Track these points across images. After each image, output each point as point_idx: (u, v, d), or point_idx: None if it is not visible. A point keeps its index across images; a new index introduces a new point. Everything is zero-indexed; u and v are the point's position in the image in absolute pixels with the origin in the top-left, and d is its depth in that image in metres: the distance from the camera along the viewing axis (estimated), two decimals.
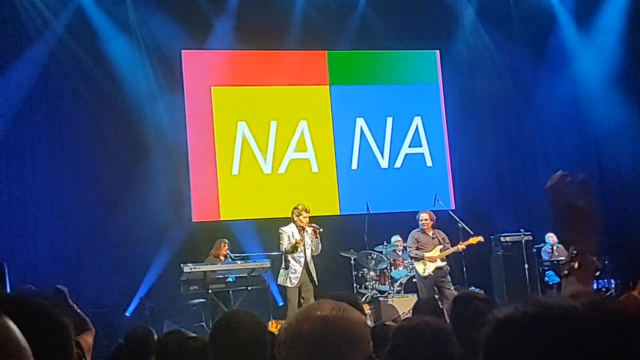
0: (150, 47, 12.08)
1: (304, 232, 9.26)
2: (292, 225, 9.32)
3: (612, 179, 13.72)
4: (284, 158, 12.80)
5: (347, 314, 1.82)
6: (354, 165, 13.13)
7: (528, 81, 13.93)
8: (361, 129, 13.23)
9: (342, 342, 1.74)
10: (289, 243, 9.16)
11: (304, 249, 9.23)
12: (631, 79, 13.77)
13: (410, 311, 9.41)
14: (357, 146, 13.19)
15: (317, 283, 9.24)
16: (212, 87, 12.68)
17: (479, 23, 13.65)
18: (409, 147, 13.42)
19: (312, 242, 9.24)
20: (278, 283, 9.62)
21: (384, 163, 13.28)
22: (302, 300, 9.12)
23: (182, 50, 12.49)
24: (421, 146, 13.50)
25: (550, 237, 12.19)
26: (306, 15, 12.75)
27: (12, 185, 11.19)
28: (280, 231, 9.37)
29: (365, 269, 11.02)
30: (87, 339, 3.37)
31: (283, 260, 9.41)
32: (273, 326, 9.00)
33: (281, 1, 12.71)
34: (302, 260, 9.21)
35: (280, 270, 9.43)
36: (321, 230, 9.23)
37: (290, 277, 9.21)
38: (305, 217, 9.27)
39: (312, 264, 9.29)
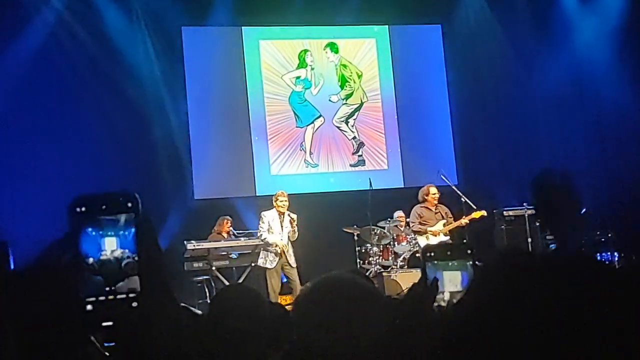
0: (150, 24, 12.02)
1: (283, 217, 9.53)
2: (273, 210, 9.61)
3: (614, 149, 13.67)
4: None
5: (360, 280, 1.90)
6: None
7: (530, 54, 13.83)
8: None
9: (357, 301, 1.78)
10: (265, 231, 9.52)
11: (282, 233, 9.49)
12: (634, 50, 13.65)
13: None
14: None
15: (293, 266, 9.55)
16: (211, 63, 12.66)
17: None
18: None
19: (289, 228, 9.44)
20: (257, 264, 9.78)
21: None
22: (289, 282, 9.69)
23: (182, 27, 12.44)
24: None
25: None
26: None
27: (12, 163, 11.17)
28: (261, 215, 9.69)
29: (369, 245, 11.02)
30: None
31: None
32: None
33: None
34: (280, 242, 9.50)
35: (261, 252, 9.70)
36: (295, 225, 9.47)
37: (268, 259, 9.52)
38: (282, 202, 9.56)
39: (290, 247, 9.59)
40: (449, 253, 1.90)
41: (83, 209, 1.43)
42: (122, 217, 1.43)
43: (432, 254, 1.89)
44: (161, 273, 1.46)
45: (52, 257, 1.46)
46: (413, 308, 1.80)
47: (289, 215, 9.51)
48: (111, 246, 1.39)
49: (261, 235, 9.62)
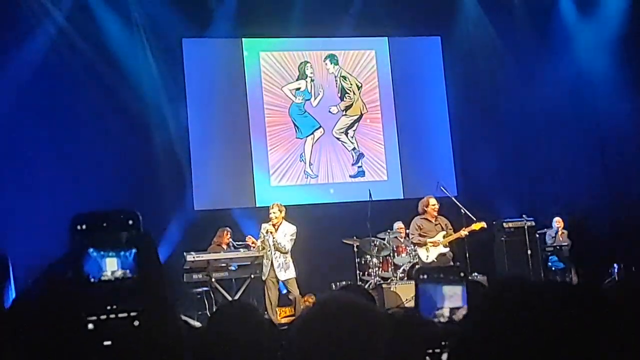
0: (150, 35, 12.05)
1: (275, 227, 9.58)
2: (269, 223, 9.67)
3: (615, 163, 13.67)
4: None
5: (359, 300, 1.88)
6: None
7: (530, 66, 13.84)
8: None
9: (356, 322, 1.78)
10: (261, 242, 9.66)
11: (271, 245, 9.48)
12: (634, 61, 13.65)
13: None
14: None
15: (280, 278, 9.55)
16: (212, 74, 12.70)
17: (479, 8, 13.54)
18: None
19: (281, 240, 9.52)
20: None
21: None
22: (287, 293, 9.76)
23: (183, 39, 12.48)
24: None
25: (557, 222, 12.18)
26: (307, 2, 12.67)
27: (12, 176, 11.16)
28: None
29: (368, 256, 11.02)
30: None
31: None
32: (279, 314, 9.21)
33: None
34: (270, 255, 9.57)
35: None
36: (275, 238, 9.49)
37: (262, 270, 9.64)
38: (272, 214, 9.61)
39: (282, 259, 9.57)
40: (441, 276, 1.90)
41: (84, 226, 1.44)
42: (124, 235, 1.43)
43: (425, 276, 1.89)
44: (163, 292, 1.47)
45: (53, 276, 1.48)
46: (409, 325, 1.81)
47: (269, 227, 9.56)
48: (112, 267, 1.40)
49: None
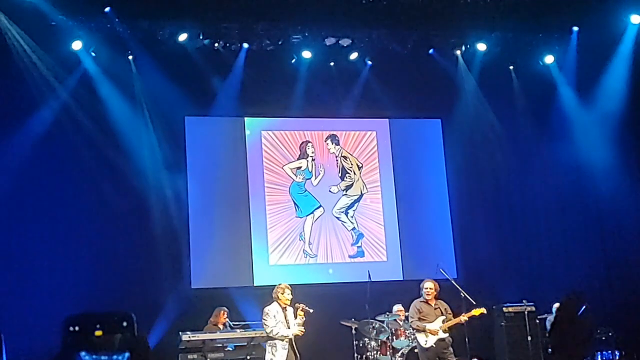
0: (153, 112, 12.17)
1: (286, 311, 9.02)
2: (275, 304, 9.04)
3: (615, 248, 13.60)
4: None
5: None
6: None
7: (530, 150, 13.94)
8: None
9: None
10: (275, 324, 8.89)
11: (288, 326, 8.99)
12: (633, 147, 13.74)
13: None
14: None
15: (299, 356, 8.98)
16: (213, 152, 12.78)
17: (480, 93, 13.71)
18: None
19: (298, 320, 8.99)
20: None
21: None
22: None
23: (186, 117, 12.60)
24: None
25: (557, 307, 12.04)
26: (310, 84, 12.87)
27: (11, 249, 11.13)
28: (265, 311, 9.01)
29: (367, 339, 10.88)
30: None
31: (268, 337, 9.07)
32: None
33: (285, 69, 12.84)
34: (287, 337, 8.97)
35: (267, 347, 9.07)
36: (311, 311, 9.00)
37: (274, 354, 8.88)
38: (288, 295, 9.08)
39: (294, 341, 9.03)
40: None
41: (76, 328, 1.41)
42: (117, 338, 1.41)
43: None
44: None
45: None
46: None
47: (300, 307, 9.00)
48: None
49: (272, 330, 8.87)
